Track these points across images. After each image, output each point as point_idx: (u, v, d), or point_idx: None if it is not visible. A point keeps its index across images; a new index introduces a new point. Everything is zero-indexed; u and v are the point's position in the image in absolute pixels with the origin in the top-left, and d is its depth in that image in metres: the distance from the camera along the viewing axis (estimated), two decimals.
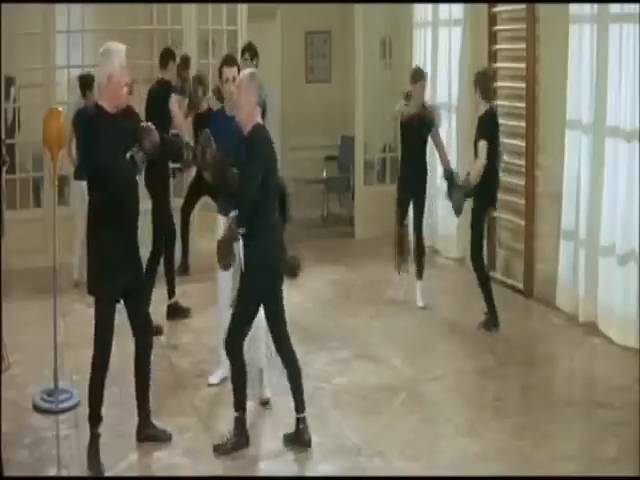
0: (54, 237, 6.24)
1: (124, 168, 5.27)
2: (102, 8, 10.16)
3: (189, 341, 7.70)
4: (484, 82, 7.90)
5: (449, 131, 10.18)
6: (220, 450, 5.62)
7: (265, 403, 6.35)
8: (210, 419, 6.14)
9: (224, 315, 6.44)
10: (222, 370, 6.60)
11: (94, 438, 5.43)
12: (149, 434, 5.74)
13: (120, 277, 5.38)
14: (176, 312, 8.26)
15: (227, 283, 6.55)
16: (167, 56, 8.61)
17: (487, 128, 7.74)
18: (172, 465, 5.48)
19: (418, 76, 8.38)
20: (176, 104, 8.39)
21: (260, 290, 5.62)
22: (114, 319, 5.41)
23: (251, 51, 8.97)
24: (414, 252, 8.64)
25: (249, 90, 5.55)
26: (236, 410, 5.70)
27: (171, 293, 8.31)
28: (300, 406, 5.72)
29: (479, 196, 7.78)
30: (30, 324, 7.61)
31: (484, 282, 7.90)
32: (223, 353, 6.14)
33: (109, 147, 5.23)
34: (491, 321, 7.84)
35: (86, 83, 8.95)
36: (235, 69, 6.41)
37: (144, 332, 5.65)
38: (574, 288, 8.00)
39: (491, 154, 7.68)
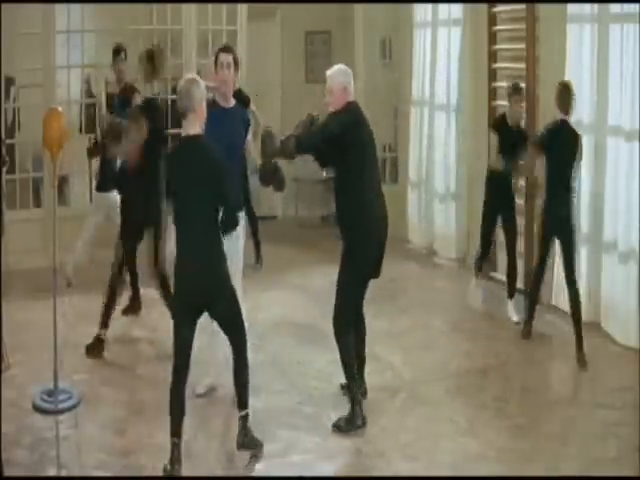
0: (54, 237, 6.25)
1: None
2: (102, 8, 10.15)
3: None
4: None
5: (448, 131, 10.18)
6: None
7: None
8: (210, 419, 6.13)
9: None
10: (209, 379, 6.48)
11: None
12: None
13: None
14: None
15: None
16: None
17: None
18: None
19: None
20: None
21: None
22: None
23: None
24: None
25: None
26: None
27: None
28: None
29: None
30: (30, 324, 7.61)
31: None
32: (211, 362, 6.36)
33: None
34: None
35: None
36: (231, 56, 6.33)
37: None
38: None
39: None
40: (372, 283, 9.23)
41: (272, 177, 6.04)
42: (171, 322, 7.91)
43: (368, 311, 8.36)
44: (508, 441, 5.79)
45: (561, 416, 6.20)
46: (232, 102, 6.40)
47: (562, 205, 7.20)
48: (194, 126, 5.39)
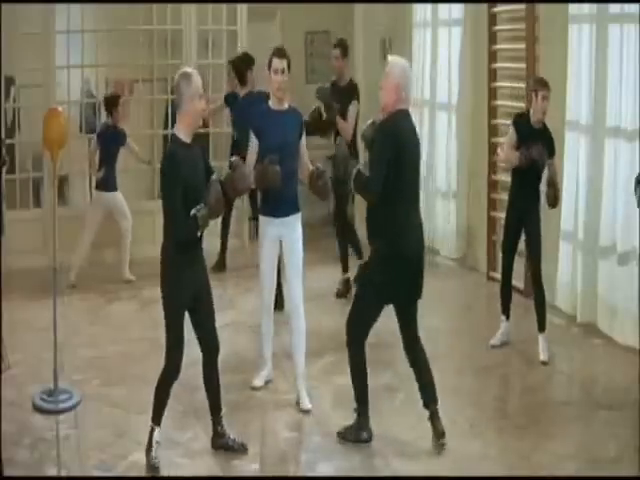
0: (54, 237, 6.26)
1: None
2: (102, 8, 10.15)
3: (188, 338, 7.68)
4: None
5: (449, 131, 10.17)
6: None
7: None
8: (210, 419, 6.13)
9: (268, 316, 6.57)
10: (266, 372, 6.61)
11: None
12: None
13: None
14: None
15: (271, 281, 6.52)
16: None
17: None
18: (172, 465, 5.48)
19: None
20: None
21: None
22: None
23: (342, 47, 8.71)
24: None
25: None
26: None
27: None
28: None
29: None
30: (30, 324, 7.61)
31: None
32: (268, 354, 6.48)
33: None
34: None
35: (112, 103, 9.06)
36: (285, 61, 6.32)
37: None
38: (573, 288, 8.00)
39: None
40: None
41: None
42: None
43: None
44: (508, 441, 5.79)
45: (561, 416, 6.20)
46: (286, 106, 6.44)
47: None
48: (178, 123, 5.29)
